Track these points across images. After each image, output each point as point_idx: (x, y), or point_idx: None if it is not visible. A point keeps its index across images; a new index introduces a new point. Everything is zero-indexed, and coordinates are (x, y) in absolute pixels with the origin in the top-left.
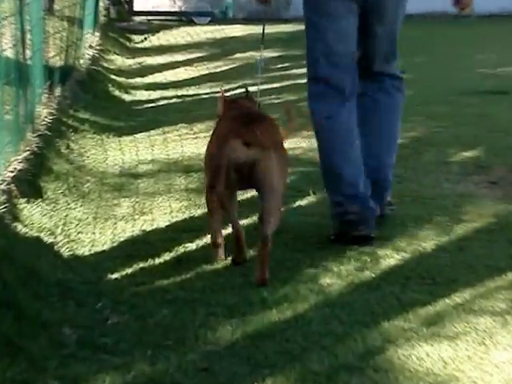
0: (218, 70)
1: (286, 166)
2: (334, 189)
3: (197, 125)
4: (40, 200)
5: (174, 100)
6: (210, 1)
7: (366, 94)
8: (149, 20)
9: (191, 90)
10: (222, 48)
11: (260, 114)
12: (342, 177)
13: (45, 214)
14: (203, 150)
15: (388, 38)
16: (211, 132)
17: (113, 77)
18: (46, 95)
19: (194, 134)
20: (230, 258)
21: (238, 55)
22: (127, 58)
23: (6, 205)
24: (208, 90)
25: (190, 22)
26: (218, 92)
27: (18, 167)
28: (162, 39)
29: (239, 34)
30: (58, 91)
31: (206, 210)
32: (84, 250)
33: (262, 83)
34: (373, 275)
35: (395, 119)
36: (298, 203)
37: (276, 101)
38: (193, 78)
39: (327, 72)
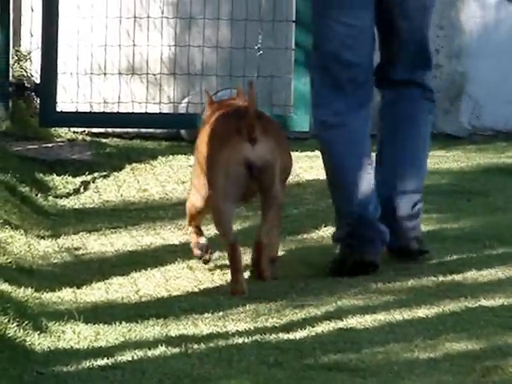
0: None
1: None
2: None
3: None
4: None
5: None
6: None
7: (385, 105)
8: (92, 135)
9: (206, 327)
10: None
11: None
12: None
13: None
14: None
15: (415, 35)
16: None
17: (4, 287)
18: None
19: None
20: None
21: (307, 235)
22: (39, 236)
23: None
24: (249, 325)
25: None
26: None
27: None
28: (127, 186)
29: (314, 175)
30: None
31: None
32: None
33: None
34: None
35: (419, 136)
36: None
37: None
38: (209, 292)
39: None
